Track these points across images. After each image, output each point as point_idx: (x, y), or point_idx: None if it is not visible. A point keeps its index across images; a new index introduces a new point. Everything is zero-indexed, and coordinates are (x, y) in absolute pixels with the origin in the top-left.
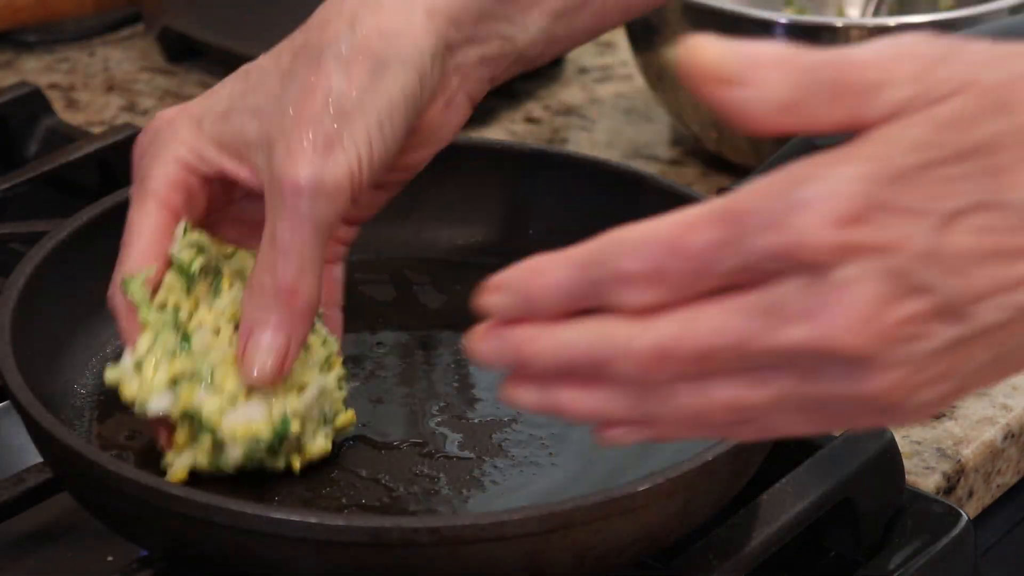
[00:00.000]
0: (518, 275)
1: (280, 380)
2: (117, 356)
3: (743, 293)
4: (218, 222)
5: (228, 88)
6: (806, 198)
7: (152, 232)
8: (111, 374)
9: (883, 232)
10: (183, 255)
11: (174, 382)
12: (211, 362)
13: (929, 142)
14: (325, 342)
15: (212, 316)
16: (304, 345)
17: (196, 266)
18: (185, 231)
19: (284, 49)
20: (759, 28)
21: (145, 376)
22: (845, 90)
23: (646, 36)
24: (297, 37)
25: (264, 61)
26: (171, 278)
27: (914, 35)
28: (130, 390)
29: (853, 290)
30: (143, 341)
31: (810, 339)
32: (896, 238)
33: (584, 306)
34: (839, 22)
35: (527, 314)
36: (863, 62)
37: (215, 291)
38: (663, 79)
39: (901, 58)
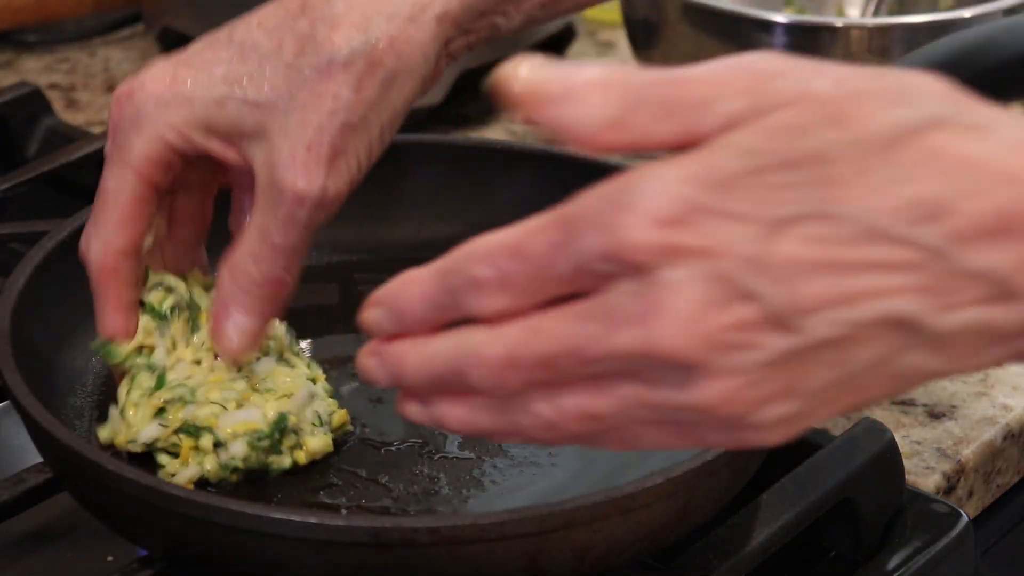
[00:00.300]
0: (390, 290)
1: (248, 355)
2: None
3: (584, 299)
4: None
5: (224, 68)
6: (630, 200)
7: (129, 203)
8: (103, 434)
9: (707, 235)
10: (152, 297)
11: (159, 412)
12: (192, 386)
13: (759, 149)
14: (309, 366)
15: (191, 350)
16: (288, 364)
17: (167, 306)
18: (148, 275)
19: (284, 29)
20: (759, 28)
21: (129, 420)
22: (676, 105)
23: (646, 36)
24: (299, 18)
25: (260, 37)
26: (144, 320)
27: (755, 54)
28: (121, 439)
29: (676, 293)
30: (122, 389)
31: (638, 343)
32: (720, 242)
33: (449, 317)
34: (839, 22)
35: (401, 329)
36: (695, 78)
37: (193, 327)
38: None
39: (735, 74)
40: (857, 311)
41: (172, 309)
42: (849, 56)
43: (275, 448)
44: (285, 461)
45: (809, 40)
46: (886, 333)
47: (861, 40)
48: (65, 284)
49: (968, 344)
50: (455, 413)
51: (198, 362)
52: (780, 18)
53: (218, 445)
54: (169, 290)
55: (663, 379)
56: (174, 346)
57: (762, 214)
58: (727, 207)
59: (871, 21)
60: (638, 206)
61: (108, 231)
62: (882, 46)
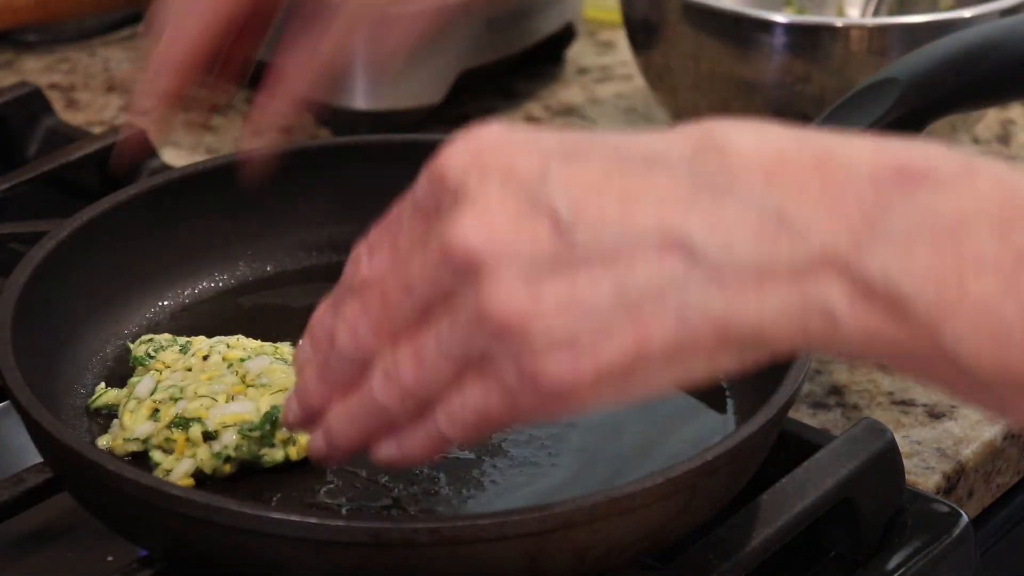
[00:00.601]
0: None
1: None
2: (117, 356)
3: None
4: None
5: None
6: (453, 139)
7: (200, 33)
8: (102, 442)
9: (509, 157)
10: (138, 351)
11: (153, 413)
12: (183, 385)
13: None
14: None
15: (183, 363)
16: (286, 362)
17: (148, 349)
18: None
19: None
20: (759, 28)
21: (124, 423)
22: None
23: (646, 36)
24: None
25: None
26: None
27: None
28: (118, 442)
29: (476, 200)
30: (121, 400)
31: (440, 245)
32: (522, 164)
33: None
34: (839, 22)
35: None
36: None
37: (183, 349)
38: (663, 79)
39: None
40: (639, 225)
41: (156, 349)
42: (849, 56)
43: (267, 440)
44: (278, 454)
45: (809, 40)
46: (665, 254)
47: (861, 40)
48: (65, 284)
49: (747, 279)
50: (337, 413)
51: (189, 369)
52: (780, 18)
53: (210, 437)
54: (150, 340)
55: (460, 291)
56: (165, 366)
57: (561, 147)
58: (532, 141)
59: (871, 21)
60: (457, 140)
61: (179, 49)
62: (882, 46)
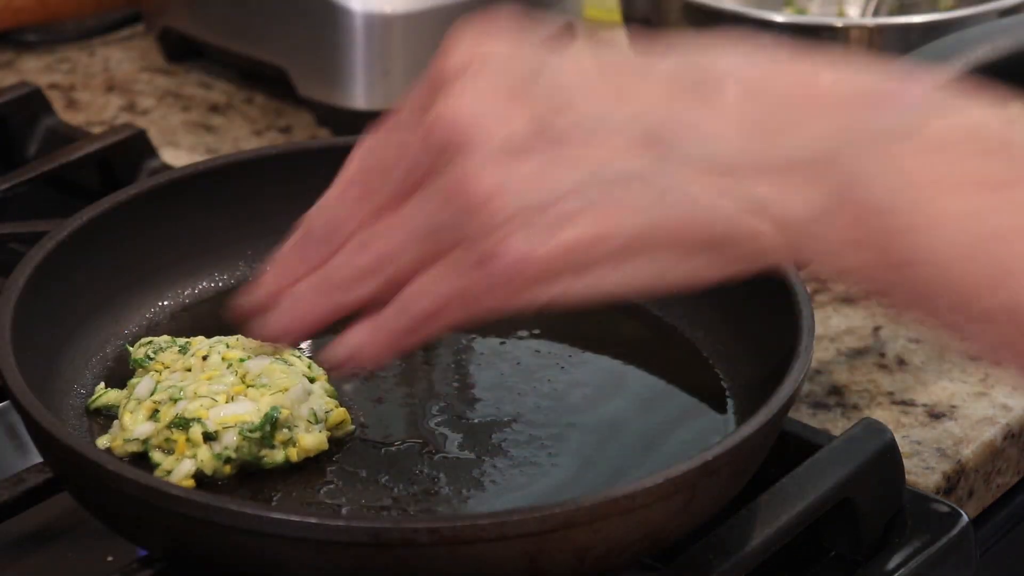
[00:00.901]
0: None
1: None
2: (118, 356)
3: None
4: None
5: None
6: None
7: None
8: (101, 442)
9: (505, 47)
10: (138, 353)
11: (152, 413)
12: (182, 386)
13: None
14: (310, 367)
15: (182, 363)
16: (286, 363)
17: (147, 351)
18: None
19: None
20: (759, 28)
21: (124, 423)
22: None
23: (646, 36)
24: None
25: None
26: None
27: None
28: (117, 443)
29: (467, 82)
30: (121, 401)
31: (432, 121)
32: (517, 55)
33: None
34: (839, 22)
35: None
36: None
37: (183, 350)
38: None
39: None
40: (619, 118)
41: (155, 351)
42: (848, 55)
43: (267, 441)
44: (278, 456)
45: (808, 40)
46: (641, 147)
47: (861, 40)
48: (65, 284)
49: (716, 174)
50: (304, 284)
51: (188, 369)
52: (780, 18)
53: (210, 438)
54: (149, 342)
55: (441, 166)
56: (165, 367)
57: (557, 53)
58: (530, 50)
59: (871, 21)
60: (463, 31)
61: None
62: (882, 46)
